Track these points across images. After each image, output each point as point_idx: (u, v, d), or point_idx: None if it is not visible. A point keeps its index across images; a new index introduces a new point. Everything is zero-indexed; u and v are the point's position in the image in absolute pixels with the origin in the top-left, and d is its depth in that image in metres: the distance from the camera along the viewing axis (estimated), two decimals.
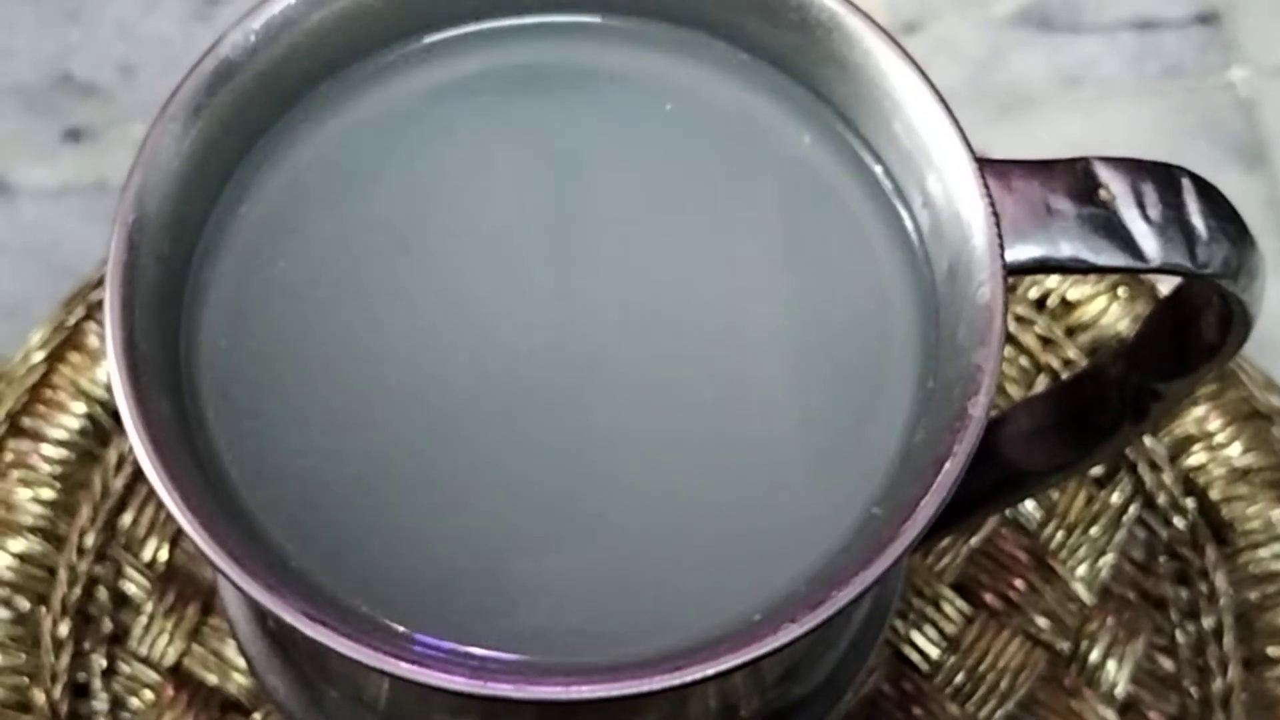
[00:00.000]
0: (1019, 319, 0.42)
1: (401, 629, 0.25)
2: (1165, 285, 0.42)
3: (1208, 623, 0.40)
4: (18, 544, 0.40)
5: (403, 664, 0.23)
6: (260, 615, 0.33)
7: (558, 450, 0.26)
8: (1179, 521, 0.41)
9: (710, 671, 0.23)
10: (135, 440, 0.24)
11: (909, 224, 0.27)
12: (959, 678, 0.39)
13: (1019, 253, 0.26)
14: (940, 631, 0.40)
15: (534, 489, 0.26)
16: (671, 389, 0.27)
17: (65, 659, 0.39)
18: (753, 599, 0.25)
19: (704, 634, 0.24)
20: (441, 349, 0.27)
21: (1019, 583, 0.40)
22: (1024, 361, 0.42)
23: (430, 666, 0.24)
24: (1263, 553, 0.40)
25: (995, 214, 0.26)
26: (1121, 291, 0.42)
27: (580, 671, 0.24)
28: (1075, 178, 0.26)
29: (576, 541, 0.26)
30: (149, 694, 0.39)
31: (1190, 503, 0.41)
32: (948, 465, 0.25)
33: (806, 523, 0.26)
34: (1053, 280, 0.42)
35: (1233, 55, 0.55)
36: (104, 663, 0.39)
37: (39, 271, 0.59)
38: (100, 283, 0.42)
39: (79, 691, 0.39)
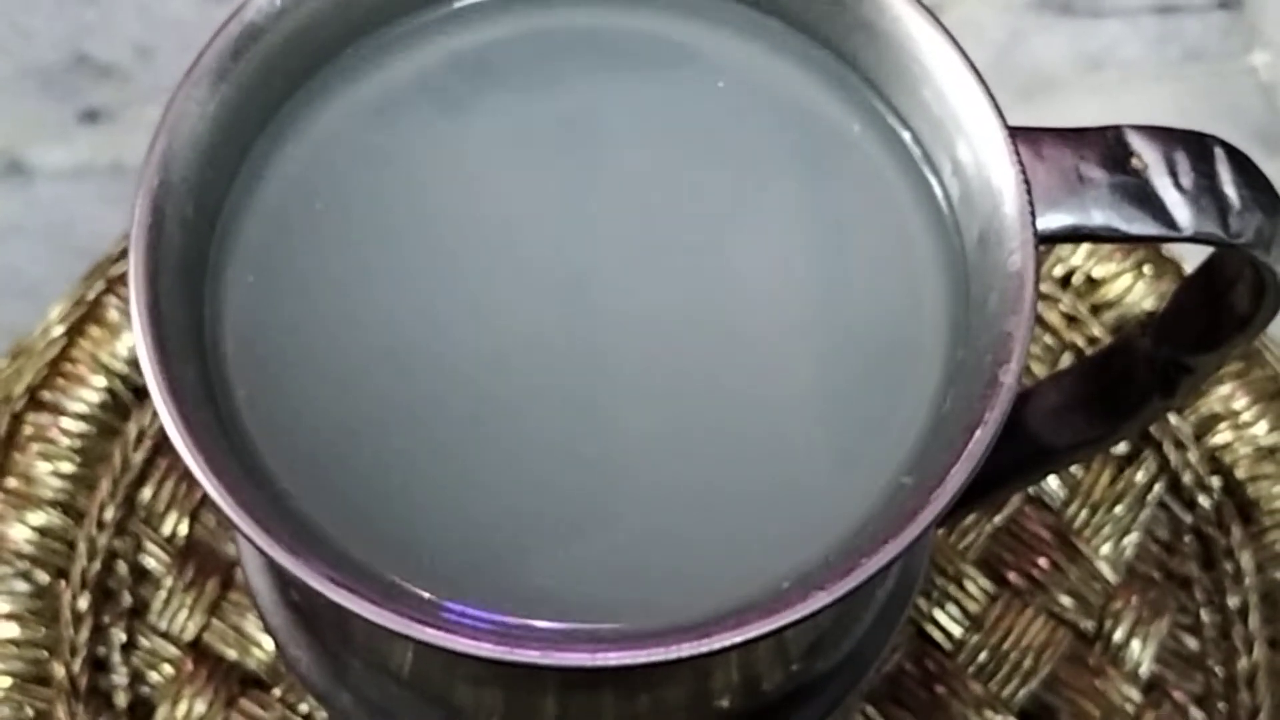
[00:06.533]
0: (1044, 296, 0.42)
1: (427, 595, 0.25)
2: (1191, 262, 0.41)
3: (1233, 602, 0.39)
4: (37, 517, 0.40)
5: (429, 630, 0.23)
6: (284, 586, 0.32)
7: (585, 416, 0.26)
8: (1204, 500, 0.40)
9: (739, 639, 0.23)
10: (160, 405, 0.24)
11: (939, 192, 0.27)
12: (982, 656, 0.39)
13: (1050, 221, 0.26)
14: (963, 610, 0.39)
15: (560, 451, 0.26)
16: (701, 359, 0.27)
17: (85, 633, 0.39)
18: (782, 568, 0.25)
19: (733, 602, 0.24)
20: (466, 318, 0.27)
21: (1043, 561, 0.40)
22: (1049, 339, 0.42)
23: (457, 633, 0.23)
24: None
25: (1026, 181, 0.26)
26: (1147, 269, 0.42)
27: (607, 639, 0.24)
28: (1107, 146, 0.26)
29: (605, 509, 0.26)
30: (168, 668, 0.39)
31: (1216, 481, 0.40)
32: (978, 433, 0.24)
33: (836, 493, 0.26)
34: (1078, 257, 0.42)
35: (1255, 39, 0.55)
36: (123, 637, 0.39)
37: (55, 252, 0.59)
38: (120, 257, 0.42)
39: (98, 665, 0.39)
